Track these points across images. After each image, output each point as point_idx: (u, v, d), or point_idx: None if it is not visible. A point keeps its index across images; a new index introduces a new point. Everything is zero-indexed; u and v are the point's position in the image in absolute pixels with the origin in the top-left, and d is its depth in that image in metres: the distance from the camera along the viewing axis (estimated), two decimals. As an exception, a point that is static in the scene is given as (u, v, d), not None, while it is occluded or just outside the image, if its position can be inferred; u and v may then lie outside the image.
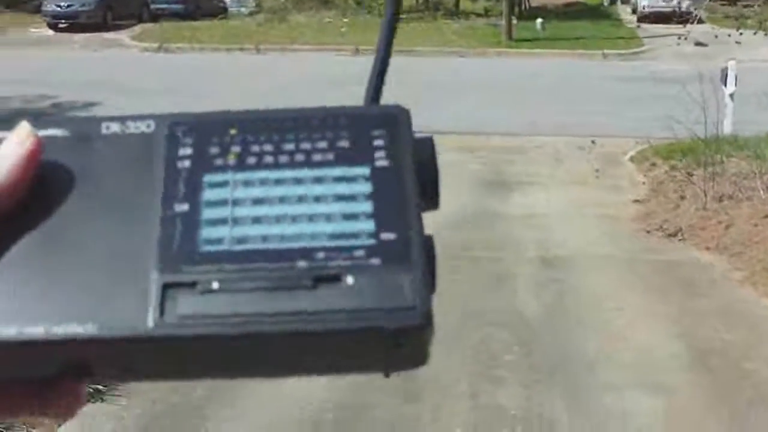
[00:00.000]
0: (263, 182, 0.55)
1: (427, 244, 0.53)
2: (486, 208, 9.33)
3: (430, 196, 0.57)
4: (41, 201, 0.54)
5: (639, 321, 6.11)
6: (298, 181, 0.55)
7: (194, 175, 0.55)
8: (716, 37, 15.79)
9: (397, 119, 0.58)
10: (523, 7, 32.61)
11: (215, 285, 0.51)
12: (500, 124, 14.21)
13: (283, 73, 20.09)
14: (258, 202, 0.54)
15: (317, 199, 0.54)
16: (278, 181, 0.55)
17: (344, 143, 0.56)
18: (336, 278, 0.51)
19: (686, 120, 9.55)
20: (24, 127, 0.55)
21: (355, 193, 0.54)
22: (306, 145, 0.56)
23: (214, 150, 0.56)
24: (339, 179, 0.55)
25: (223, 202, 0.54)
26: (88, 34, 26.78)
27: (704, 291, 6.80)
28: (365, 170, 0.55)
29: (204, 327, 0.50)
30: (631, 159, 12.13)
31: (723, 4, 18.82)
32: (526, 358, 5.47)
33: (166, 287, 0.51)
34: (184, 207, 0.54)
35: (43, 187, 0.55)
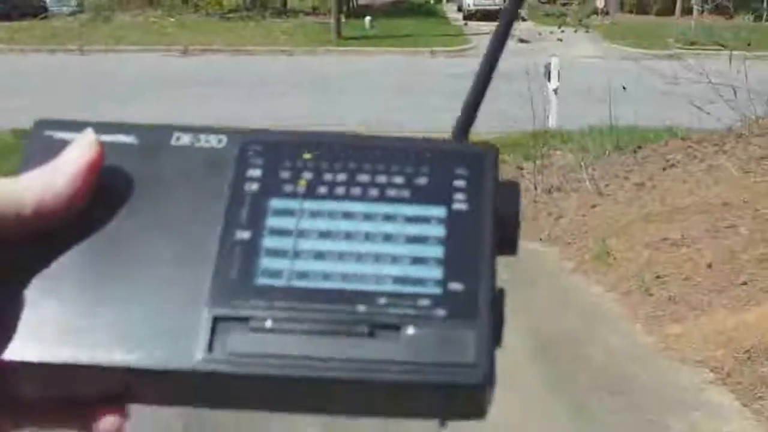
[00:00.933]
0: (331, 214, 0.53)
1: (497, 297, 0.51)
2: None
3: (508, 245, 0.55)
4: (100, 212, 0.52)
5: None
6: (368, 217, 0.53)
7: (261, 200, 0.53)
8: (539, 34, 16.28)
9: (483, 159, 0.56)
10: (351, 5, 32.81)
11: (268, 323, 0.49)
12: (332, 122, 14.21)
13: (108, 74, 19.48)
14: (324, 235, 0.52)
15: (386, 237, 0.52)
16: (347, 215, 0.53)
17: (422, 180, 0.54)
18: (395, 327, 0.49)
19: (513, 116, 9.79)
20: (88, 135, 0.53)
21: (427, 236, 0.52)
22: (381, 179, 0.54)
23: (285, 174, 0.54)
24: (412, 219, 0.53)
25: (287, 232, 0.52)
26: None
27: (538, 280, 6.96)
28: (441, 211, 0.53)
29: (253, 367, 0.48)
30: (462, 154, 12.32)
31: (543, 2, 19.43)
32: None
33: (217, 320, 0.49)
34: (246, 234, 0.52)
35: (103, 197, 0.53)
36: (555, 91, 12.59)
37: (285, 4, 32.96)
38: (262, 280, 0.50)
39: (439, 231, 0.52)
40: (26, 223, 0.50)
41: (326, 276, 0.50)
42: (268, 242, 0.51)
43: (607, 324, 6.07)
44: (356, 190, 0.53)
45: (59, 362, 0.48)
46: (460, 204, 0.53)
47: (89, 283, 0.50)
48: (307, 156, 0.54)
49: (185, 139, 0.55)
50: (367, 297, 0.50)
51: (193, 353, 0.48)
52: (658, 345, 5.62)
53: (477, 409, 0.50)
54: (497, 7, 29.53)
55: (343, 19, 27.48)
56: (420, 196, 0.53)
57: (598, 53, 23.41)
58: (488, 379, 0.49)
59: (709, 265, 6.41)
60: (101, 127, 0.55)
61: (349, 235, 0.52)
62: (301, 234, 0.52)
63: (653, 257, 6.80)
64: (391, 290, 0.50)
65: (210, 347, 0.49)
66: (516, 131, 10.62)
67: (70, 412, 0.51)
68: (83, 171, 0.52)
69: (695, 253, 6.67)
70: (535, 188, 9.19)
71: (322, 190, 0.53)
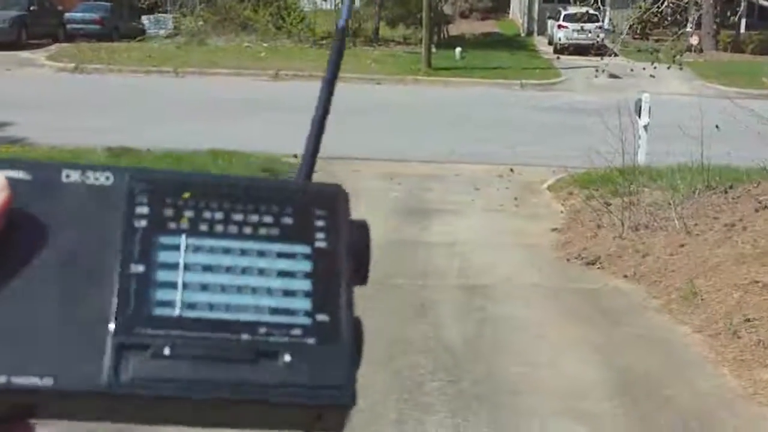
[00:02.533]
0: (212, 250, 0.59)
1: (356, 325, 0.59)
2: (407, 236, 9.31)
3: (362, 275, 0.62)
4: (6, 249, 0.56)
5: (562, 349, 6.12)
6: (244, 253, 0.59)
7: (150, 236, 0.58)
8: (631, 70, 16.11)
9: (336, 199, 0.63)
10: (442, 35, 32.93)
11: (166, 351, 0.55)
12: (420, 151, 14.25)
13: (200, 96, 19.87)
14: (207, 269, 0.58)
15: (261, 272, 0.59)
16: (226, 251, 0.59)
17: (288, 220, 0.61)
18: (274, 354, 0.56)
19: (602, 150, 9.69)
20: None
21: (296, 271, 0.60)
22: (253, 218, 0.60)
23: (169, 212, 0.59)
24: (282, 255, 0.60)
25: (175, 266, 0.58)
26: (2, 53, 26.15)
27: (623, 319, 6.86)
28: (306, 249, 0.60)
29: (154, 389, 0.54)
30: (549, 188, 12.26)
31: (636, 38, 19.24)
32: (452, 385, 5.42)
33: (121, 347, 0.54)
34: (140, 268, 0.57)
35: (7, 236, 0.56)
36: (645, 127, 12.44)
37: (377, 32, 33.24)
38: (158, 311, 0.56)
39: (305, 266, 0.60)
40: None
41: (212, 306, 0.57)
42: (160, 275, 0.57)
43: (693, 366, 5.95)
44: (233, 228, 0.60)
45: None
46: (321, 242, 0.61)
47: (1, 316, 0.54)
48: (186, 195, 0.60)
49: (74, 176, 0.60)
50: (249, 327, 0.57)
51: (100, 377, 0.53)
52: (747, 390, 5.49)
53: (339, 425, 0.58)
54: (590, 42, 29.36)
55: (433, 50, 27.59)
56: (287, 235, 0.60)
57: (690, 90, 23.10)
58: (353, 400, 0.56)
59: (801, 311, 6.25)
60: None
61: (228, 269, 0.58)
62: (188, 267, 0.58)
63: (743, 299, 6.65)
64: (268, 320, 0.57)
65: (115, 371, 0.54)
66: (604, 167, 10.52)
67: None
68: None
69: (787, 298, 6.51)
70: (622, 225, 9.08)
71: (203, 227, 0.59)
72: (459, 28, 37.17)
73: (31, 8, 28.96)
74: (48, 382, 0.53)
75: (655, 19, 14.79)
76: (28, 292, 0.55)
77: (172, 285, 0.57)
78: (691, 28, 24.27)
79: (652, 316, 6.95)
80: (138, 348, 0.55)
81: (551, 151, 14.10)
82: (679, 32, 16.66)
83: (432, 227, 9.81)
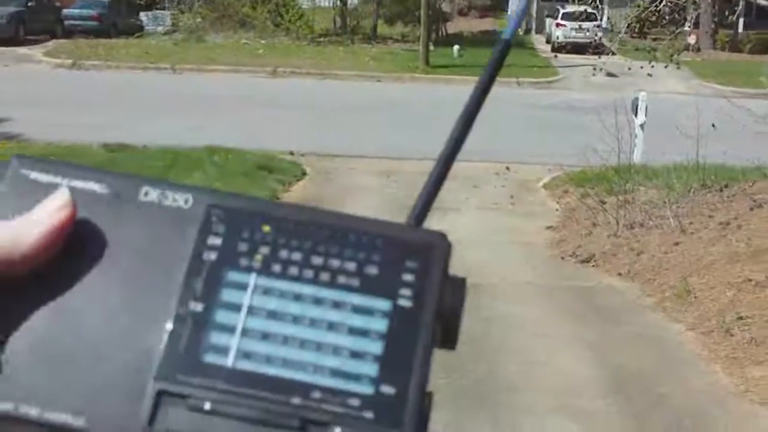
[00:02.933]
0: (282, 294, 0.54)
1: (425, 401, 0.52)
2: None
3: (449, 339, 0.56)
4: (65, 266, 0.54)
5: (557, 347, 6.15)
6: (317, 301, 0.54)
7: (217, 270, 0.54)
8: (629, 69, 16.13)
9: (433, 251, 0.56)
10: (440, 33, 32.94)
11: (207, 405, 0.51)
12: (416, 149, 14.25)
13: (197, 93, 19.88)
14: (272, 315, 0.53)
15: (330, 326, 0.53)
16: (297, 297, 0.54)
17: (372, 270, 0.55)
18: (324, 425, 0.51)
19: (598, 148, 9.72)
20: (63, 194, 0.54)
21: (369, 329, 0.53)
22: (334, 263, 0.55)
23: (243, 247, 0.55)
24: (357, 309, 0.54)
25: (237, 307, 0.53)
26: (-2, 49, 26.17)
27: (618, 317, 6.89)
28: (386, 305, 0.54)
29: None
30: (545, 186, 12.28)
31: (634, 37, 19.27)
32: (448, 383, 5.43)
33: (160, 394, 0.51)
34: (199, 307, 0.53)
35: (70, 250, 0.54)
36: (642, 126, 12.46)
37: (374, 30, 33.24)
38: (208, 358, 0.52)
39: (381, 325, 0.53)
40: None
41: (269, 359, 0.52)
42: (219, 316, 0.53)
43: (686, 363, 5.97)
44: (309, 273, 0.54)
45: (2, 413, 0.51)
46: (405, 300, 0.54)
47: (46, 339, 0.52)
48: (266, 229, 0.56)
49: (153, 195, 0.57)
50: (303, 389, 0.51)
51: (135, 423, 0.50)
52: (739, 387, 5.51)
53: None
54: (587, 41, 29.38)
55: (431, 47, 27.61)
56: (369, 287, 0.54)
57: (687, 90, 23.14)
58: None
59: (794, 309, 6.27)
60: (75, 172, 0.57)
61: (296, 319, 0.53)
62: (251, 311, 0.53)
63: (736, 298, 6.68)
64: (326, 384, 0.52)
65: (151, 420, 0.50)
66: (600, 165, 10.54)
67: None
68: (52, 233, 0.53)
69: (780, 296, 6.54)
70: (617, 223, 9.10)
71: (277, 268, 0.54)
72: (457, 25, 37.19)
73: (29, 4, 28.93)
74: (80, 422, 0.50)
75: (653, 18, 14.81)
76: (76, 315, 0.53)
77: (230, 329, 0.53)
78: (689, 27, 24.29)
79: (646, 314, 6.98)
80: (178, 397, 0.51)
81: (547, 149, 14.12)
82: (677, 31, 16.68)
83: (428, 224, 9.79)
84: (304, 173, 12.16)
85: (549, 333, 6.41)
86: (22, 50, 26.84)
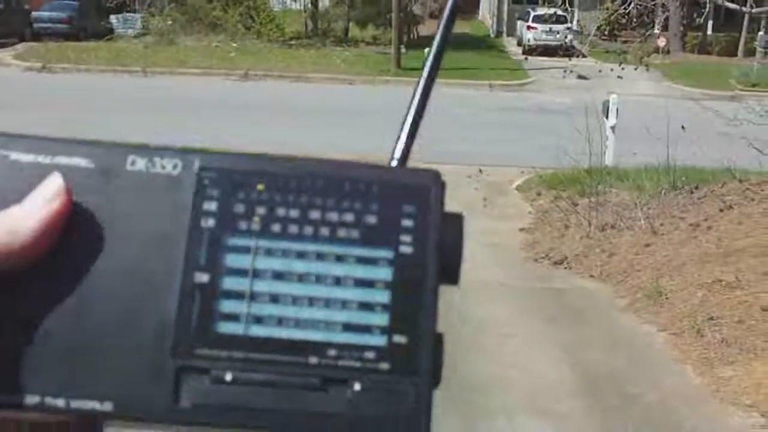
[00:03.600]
0: (285, 253, 0.54)
1: (437, 343, 0.54)
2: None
3: (450, 274, 0.57)
4: (62, 253, 0.53)
5: (529, 347, 6.17)
6: (320, 257, 0.54)
7: (217, 237, 0.54)
8: (600, 71, 16.23)
9: (429, 193, 0.56)
10: (411, 35, 32.98)
11: (228, 376, 0.52)
12: (389, 150, 14.26)
13: (169, 96, 19.80)
14: (278, 276, 0.53)
15: (337, 281, 0.53)
16: (300, 254, 0.54)
17: (371, 219, 0.55)
18: (344, 382, 0.52)
19: (570, 150, 9.78)
20: (54, 182, 0.53)
21: (375, 279, 0.54)
22: (332, 216, 0.55)
23: (239, 209, 0.54)
24: (361, 260, 0.54)
25: (243, 272, 0.53)
26: (-34, 52, 25.93)
27: (590, 318, 6.93)
28: (389, 254, 0.54)
29: (215, 416, 0.51)
30: (518, 188, 12.32)
31: (605, 39, 19.39)
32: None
33: (180, 371, 0.52)
34: (205, 277, 0.53)
35: (65, 237, 0.53)
36: (612, 128, 12.53)
37: (346, 33, 33.22)
38: (222, 328, 0.52)
39: (386, 274, 0.54)
40: None
41: (280, 321, 0.52)
42: (226, 283, 0.53)
43: (658, 364, 6.02)
44: (308, 229, 0.54)
45: (31, 406, 0.51)
46: (406, 247, 0.54)
47: (58, 330, 0.52)
48: (260, 187, 0.55)
49: (140, 163, 0.55)
50: (318, 348, 0.52)
51: (160, 402, 0.51)
52: (710, 387, 5.56)
53: None
54: (558, 43, 29.53)
55: (403, 50, 27.62)
56: (369, 237, 0.54)
57: (657, 92, 23.29)
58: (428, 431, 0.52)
59: (764, 309, 6.34)
60: (58, 147, 0.55)
61: (301, 277, 0.53)
62: (257, 274, 0.53)
63: (707, 298, 6.74)
64: (340, 341, 0.52)
65: (175, 398, 0.51)
66: (572, 167, 10.60)
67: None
68: (50, 224, 0.52)
69: (749, 296, 6.60)
70: (589, 225, 9.16)
71: (276, 228, 0.54)
72: (429, 28, 37.21)
73: (-2, 7, 28.74)
74: (107, 407, 0.51)
75: (623, 21, 14.92)
76: (83, 302, 0.52)
77: (239, 295, 0.53)
78: (658, 29, 24.49)
79: (617, 316, 7.02)
80: (199, 371, 0.52)
81: (520, 152, 14.18)
82: (647, 34, 16.81)
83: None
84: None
85: (521, 334, 6.44)
86: (-10, 53, 26.64)
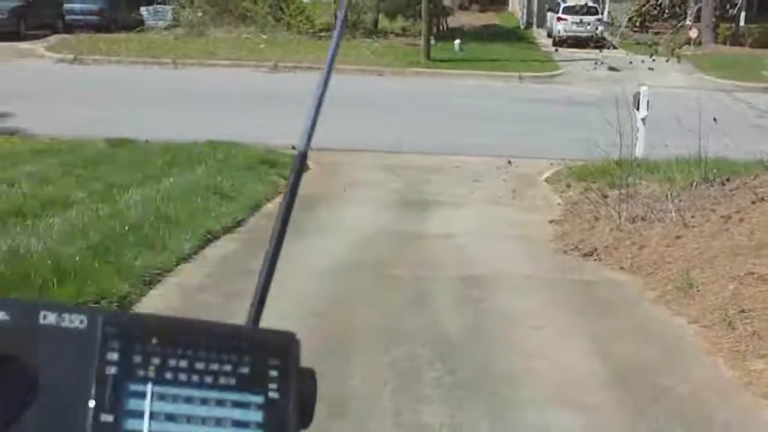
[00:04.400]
0: (175, 398, 0.63)
1: None
2: (404, 227, 9.33)
3: (306, 420, 0.67)
4: None
5: (558, 339, 6.15)
6: (204, 401, 0.64)
7: (119, 383, 0.63)
8: (631, 63, 16.10)
9: (288, 349, 0.68)
10: (441, 27, 32.89)
11: None
12: (419, 143, 14.26)
13: (198, 88, 19.88)
14: (170, 417, 0.62)
15: (218, 422, 0.63)
16: (188, 399, 0.63)
17: (245, 369, 0.66)
18: None
19: (600, 143, 9.71)
20: None
21: (249, 421, 0.64)
22: (214, 366, 0.65)
23: (138, 359, 0.64)
24: (237, 404, 0.65)
25: (141, 414, 0.62)
26: (1, 44, 26.11)
27: (620, 310, 6.90)
28: (259, 399, 0.65)
29: None
30: (547, 180, 12.28)
31: (636, 31, 19.25)
32: (449, 375, 5.44)
33: None
34: (110, 418, 0.61)
35: None
36: (643, 120, 12.46)
37: (376, 24, 33.18)
38: None
39: (257, 417, 0.64)
40: None
41: None
42: (128, 424, 0.61)
43: (689, 356, 5.98)
44: (195, 377, 0.64)
45: None
46: (273, 392, 0.65)
47: None
48: (155, 341, 0.64)
49: (51, 318, 0.63)
50: None
51: None
52: (741, 380, 5.52)
53: None
54: (588, 35, 29.34)
55: (432, 42, 27.55)
56: (244, 384, 0.65)
57: (689, 83, 23.10)
58: None
59: (797, 302, 6.28)
60: None
61: (189, 419, 0.62)
62: (153, 416, 0.62)
63: (738, 291, 6.68)
64: None
65: None
66: (602, 159, 10.54)
67: None
68: None
69: (782, 289, 6.54)
70: (619, 217, 9.10)
71: (168, 375, 0.63)
72: (458, 20, 37.12)
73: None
74: None
75: (654, 12, 14.80)
76: None
77: None
78: (690, 21, 24.26)
79: (648, 308, 6.98)
80: None
81: (549, 144, 14.12)
82: (678, 25, 16.68)
83: (430, 219, 9.83)
84: (307, 167, 12.14)
85: (551, 326, 6.42)
86: (23, 45, 26.85)
